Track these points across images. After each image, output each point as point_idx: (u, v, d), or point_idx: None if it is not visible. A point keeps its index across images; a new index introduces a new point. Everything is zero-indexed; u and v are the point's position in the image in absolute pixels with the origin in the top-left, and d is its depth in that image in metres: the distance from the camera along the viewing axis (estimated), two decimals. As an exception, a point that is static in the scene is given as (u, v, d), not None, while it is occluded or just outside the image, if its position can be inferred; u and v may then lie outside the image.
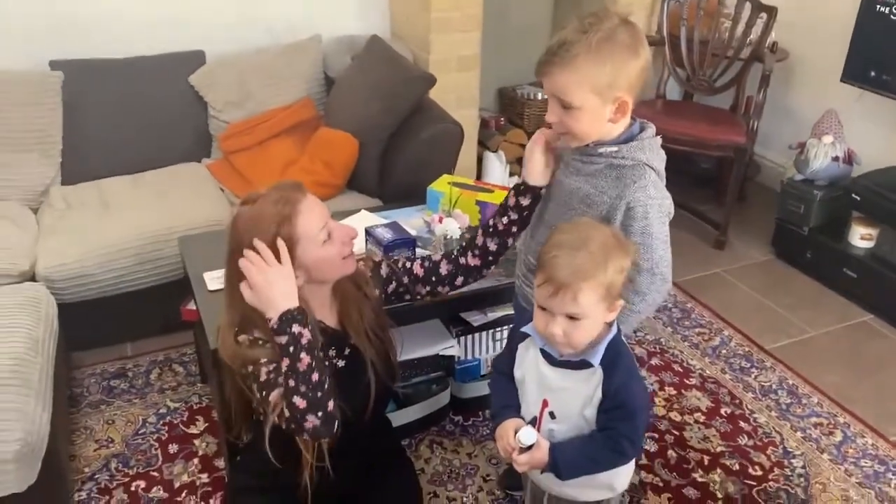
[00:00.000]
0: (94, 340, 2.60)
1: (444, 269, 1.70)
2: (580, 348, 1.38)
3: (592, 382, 1.38)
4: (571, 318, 1.33)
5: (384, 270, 1.71)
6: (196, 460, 2.19)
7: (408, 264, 1.72)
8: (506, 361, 1.53)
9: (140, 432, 2.29)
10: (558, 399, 1.43)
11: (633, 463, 1.55)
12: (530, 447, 1.40)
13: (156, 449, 2.23)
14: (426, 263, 1.72)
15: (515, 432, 1.41)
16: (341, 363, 1.59)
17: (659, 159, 1.52)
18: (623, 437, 1.38)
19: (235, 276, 1.47)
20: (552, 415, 1.43)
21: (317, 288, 1.55)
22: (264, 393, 1.43)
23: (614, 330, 1.40)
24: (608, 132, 1.49)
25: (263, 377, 1.44)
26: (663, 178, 1.54)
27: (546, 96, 1.51)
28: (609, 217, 1.50)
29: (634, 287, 1.52)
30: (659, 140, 1.54)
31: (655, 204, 1.49)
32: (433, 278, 1.70)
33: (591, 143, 1.51)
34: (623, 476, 1.53)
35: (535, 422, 1.45)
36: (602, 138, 1.50)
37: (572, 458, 1.40)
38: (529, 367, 1.47)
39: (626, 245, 1.37)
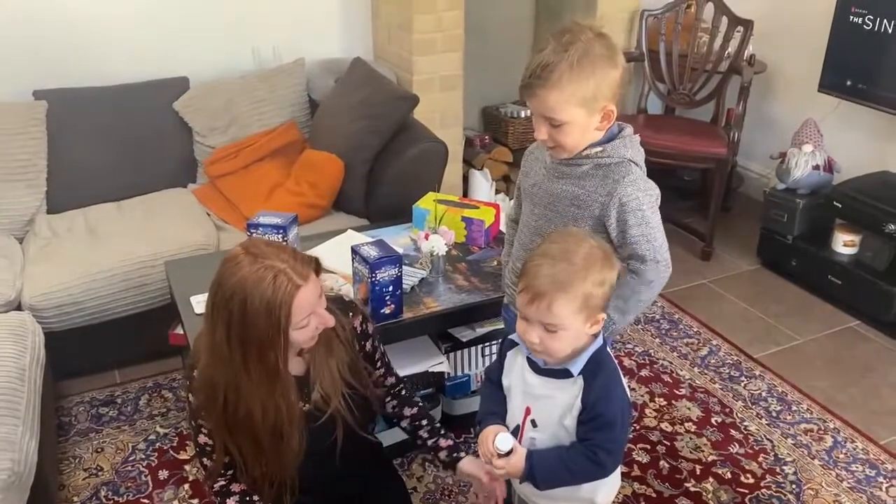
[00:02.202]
0: (81, 368, 2.58)
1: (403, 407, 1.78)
2: (558, 357, 1.39)
3: (572, 392, 1.39)
4: (548, 327, 1.34)
5: (369, 327, 1.69)
6: (187, 486, 2.18)
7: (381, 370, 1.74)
8: (496, 369, 1.54)
9: (129, 459, 2.28)
10: (540, 407, 1.43)
11: (617, 478, 1.54)
12: (509, 453, 1.40)
13: (146, 476, 2.22)
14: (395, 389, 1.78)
15: (495, 438, 1.41)
16: (306, 407, 1.56)
17: (640, 156, 1.58)
18: (600, 449, 1.38)
19: (216, 328, 1.43)
20: (534, 423, 1.44)
21: None
22: (197, 451, 1.57)
23: (599, 342, 1.41)
24: (594, 139, 1.54)
25: (202, 441, 1.55)
26: (645, 173, 1.58)
27: (531, 114, 1.54)
28: (602, 216, 1.54)
29: (641, 278, 1.55)
30: (638, 138, 1.59)
31: (646, 195, 1.53)
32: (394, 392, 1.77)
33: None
34: (606, 491, 1.52)
35: (517, 429, 1.45)
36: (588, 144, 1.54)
37: (548, 467, 1.40)
38: (516, 374, 1.48)
39: (611, 259, 1.38)
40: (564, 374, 1.40)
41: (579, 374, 1.39)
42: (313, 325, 1.46)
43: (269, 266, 1.38)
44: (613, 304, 1.58)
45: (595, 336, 1.41)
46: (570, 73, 1.42)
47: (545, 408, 1.43)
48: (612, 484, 1.53)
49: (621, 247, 1.56)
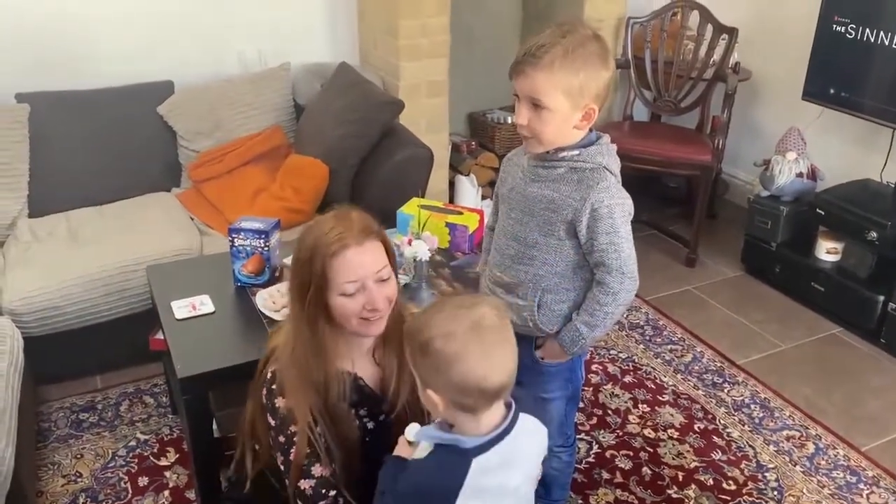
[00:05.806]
0: (62, 374, 2.56)
1: None
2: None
3: None
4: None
5: None
6: (167, 492, 2.16)
7: None
8: None
9: (109, 466, 2.25)
10: None
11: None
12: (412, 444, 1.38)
13: (125, 482, 2.20)
14: None
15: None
16: (371, 425, 1.53)
17: (616, 165, 1.58)
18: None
19: (296, 290, 1.44)
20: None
21: (352, 338, 1.49)
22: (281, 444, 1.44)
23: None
24: (571, 139, 1.54)
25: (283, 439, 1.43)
26: (619, 182, 1.58)
27: (515, 100, 1.53)
28: (574, 220, 1.54)
29: (605, 288, 1.55)
30: (615, 147, 1.59)
31: (618, 204, 1.53)
32: None
33: (551, 149, 1.55)
34: None
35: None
36: (563, 144, 1.54)
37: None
38: None
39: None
40: None
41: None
42: (360, 301, 1.40)
43: (329, 219, 1.43)
44: (581, 319, 1.59)
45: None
46: (562, 59, 1.44)
47: None
48: None
49: (589, 254, 1.56)
